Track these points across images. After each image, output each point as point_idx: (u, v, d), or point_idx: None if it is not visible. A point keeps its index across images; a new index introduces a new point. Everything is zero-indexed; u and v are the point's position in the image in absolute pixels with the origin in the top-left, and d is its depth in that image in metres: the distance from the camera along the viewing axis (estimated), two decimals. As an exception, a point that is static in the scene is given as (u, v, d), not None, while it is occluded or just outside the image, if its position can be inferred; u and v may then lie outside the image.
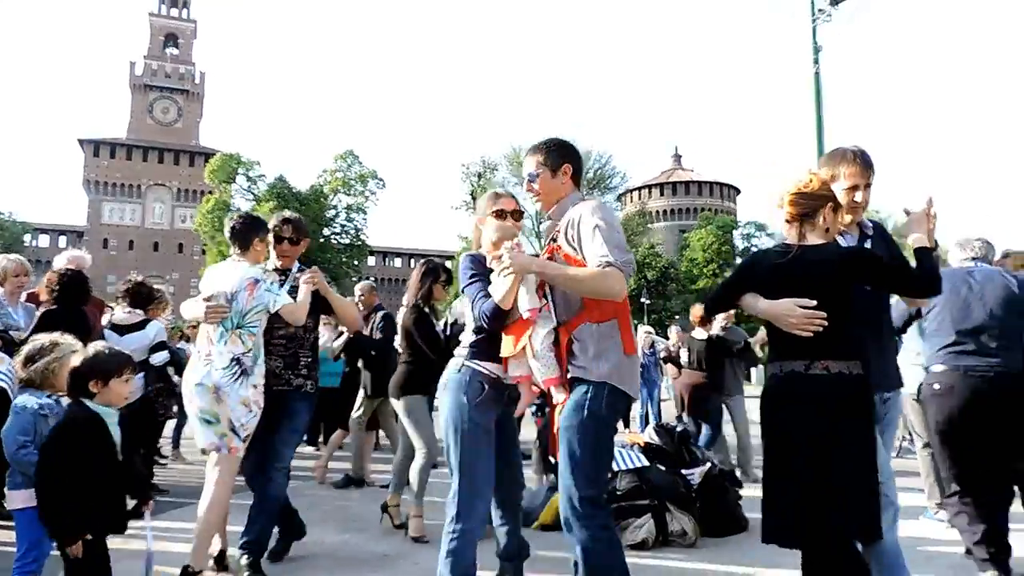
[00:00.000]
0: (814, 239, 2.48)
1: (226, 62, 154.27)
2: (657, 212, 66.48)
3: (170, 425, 7.82)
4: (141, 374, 4.97)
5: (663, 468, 4.85)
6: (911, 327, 4.53)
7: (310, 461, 7.44)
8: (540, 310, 2.59)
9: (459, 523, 2.70)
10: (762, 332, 7.49)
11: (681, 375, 7.44)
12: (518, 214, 3.00)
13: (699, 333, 7.27)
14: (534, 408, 6.12)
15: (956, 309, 3.68)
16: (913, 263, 2.50)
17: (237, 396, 3.43)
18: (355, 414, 6.31)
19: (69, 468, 2.46)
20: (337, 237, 47.35)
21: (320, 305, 3.84)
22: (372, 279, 7.56)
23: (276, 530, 3.93)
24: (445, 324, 4.80)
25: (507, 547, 3.10)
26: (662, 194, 68.37)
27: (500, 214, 2.96)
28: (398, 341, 5.10)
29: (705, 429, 7.06)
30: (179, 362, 5.87)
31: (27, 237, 62.63)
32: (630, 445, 5.16)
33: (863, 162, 2.69)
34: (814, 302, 2.34)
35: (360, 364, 6.56)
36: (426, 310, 4.60)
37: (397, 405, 4.64)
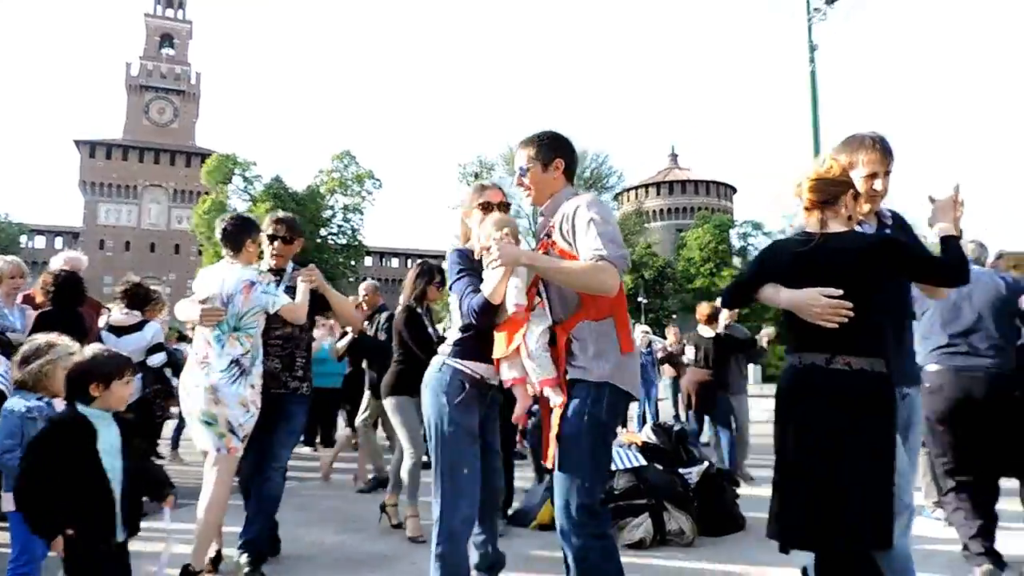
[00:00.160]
0: (836, 227, 2.37)
1: (222, 62, 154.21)
2: (654, 211, 66.48)
3: (169, 426, 7.81)
4: (139, 375, 4.96)
5: (661, 467, 4.86)
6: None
7: (307, 462, 7.44)
8: (534, 307, 2.51)
9: (444, 525, 2.65)
10: (765, 330, 7.52)
11: (688, 373, 7.41)
12: (505, 206, 2.93)
13: (706, 331, 7.24)
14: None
15: (946, 312, 3.73)
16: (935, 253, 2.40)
17: (235, 396, 3.43)
18: (361, 415, 6.28)
19: (47, 469, 2.41)
20: (334, 237, 47.31)
21: (318, 303, 3.84)
22: (368, 279, 7.53)
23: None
24: (446, 327, 4.80)
25: (483, 558, 3.02)
26: (659, 193, 68.38)
27: (486, 207, 2.89)
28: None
29: (710, 428, 7.06)
30: (176, 363, 5.87)
31: (23, 238, 62.62)
32: (628, 444, 5.17)
33: (883, 149, 2.59)
34: (839, 291, 2.25)
35: (364, 364, 6.56)
36: (419, 311, 4.59)
37: (386, 404, 4.67)
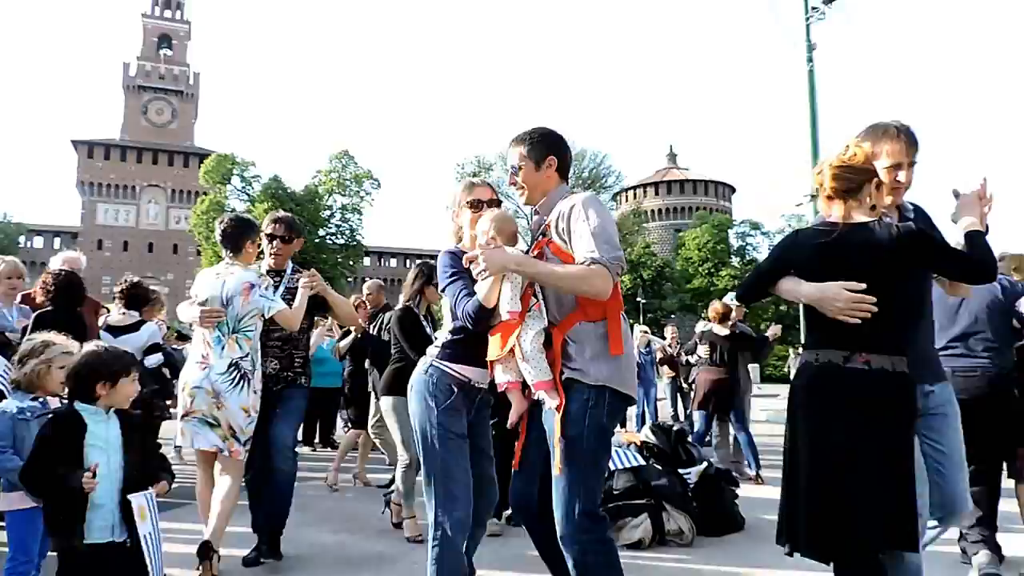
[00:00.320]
0: (859, 217, 2.27)
1: (220, 63, 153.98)
2: (652, 211, 66.47)
3: (169, 426, 7.78)
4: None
5: (660, 467, 4.86)
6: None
7: (307, 462, 7.43)
8: (530, 309, 2.44)
9: (438, 531, 2.57)
10: (772, 328, 7.52)
11: (701, 372, 7.24)
12: (495, 203, 2.83)
13: (720, 329, 7.10)
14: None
15: (943, 316, 3.73)
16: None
17: (238, 402, 3.44)
18: (372, 418, 6.24)
19: (44, 467, 2.42)
20: (332, 237, 47.22)
21: (318, 304, 3.84)
22: (371, 279, 7.51)
23: (256, 538, 3.91)
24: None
25: None
26: (657, 193, 68.35)
27: (475, 204, 2.79)
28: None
29: (717, 427, 7.05)
30: (173, 364, 5.85)
31: (21, 239, 62.48)
32: (627, 444, 5.18)
33: (908, 139, 2.49)
34: (863, 285, 2.16)
35: (367, 364, 6.54)
36: (415, 311, 4.58)
37: (382, 404, 4.67)
